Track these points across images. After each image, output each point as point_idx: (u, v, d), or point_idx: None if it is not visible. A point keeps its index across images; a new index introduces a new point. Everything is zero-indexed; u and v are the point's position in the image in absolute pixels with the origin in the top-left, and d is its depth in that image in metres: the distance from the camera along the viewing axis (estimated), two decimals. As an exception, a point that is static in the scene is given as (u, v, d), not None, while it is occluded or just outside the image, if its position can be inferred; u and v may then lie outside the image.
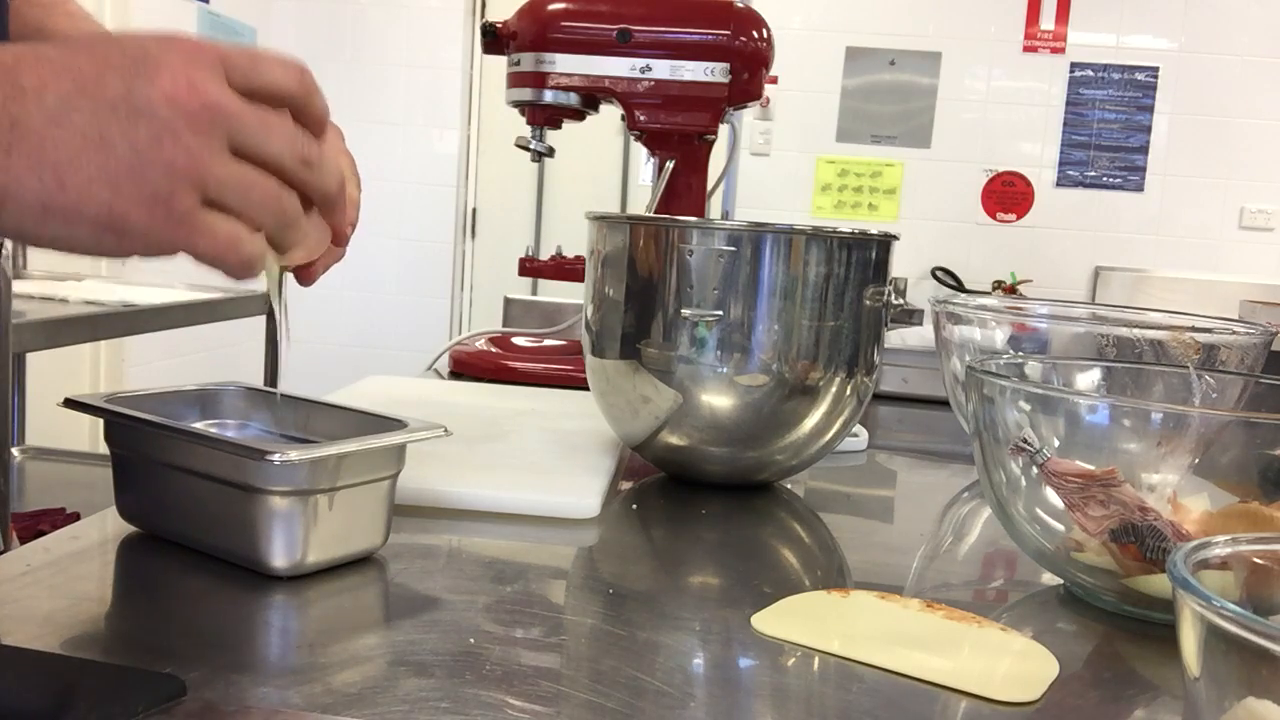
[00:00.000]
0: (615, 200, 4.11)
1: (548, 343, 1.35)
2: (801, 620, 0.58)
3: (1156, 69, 3.72)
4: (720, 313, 0.78)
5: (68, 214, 0.44)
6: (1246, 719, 0.34)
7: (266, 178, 0.47)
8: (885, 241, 0.83)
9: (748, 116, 3.79)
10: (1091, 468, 0.61)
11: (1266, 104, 3.70)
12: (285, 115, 0.47)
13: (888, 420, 1.27)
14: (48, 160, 0.43)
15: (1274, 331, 0.92)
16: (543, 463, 0.83)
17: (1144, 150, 3.76)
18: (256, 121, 0.46)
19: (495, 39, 1.31)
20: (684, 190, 1.32)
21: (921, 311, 0.90)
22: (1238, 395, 0.74)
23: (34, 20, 0.79)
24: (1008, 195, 3.81)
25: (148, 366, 3.13)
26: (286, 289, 0.55)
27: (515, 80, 1.31)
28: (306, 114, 0.49)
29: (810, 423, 0.81)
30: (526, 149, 1.34)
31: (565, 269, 1.35)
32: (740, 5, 1.29)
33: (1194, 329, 0.90)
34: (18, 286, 1.62)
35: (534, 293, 3.18)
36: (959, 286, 3.72)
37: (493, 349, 1.33)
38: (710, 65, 1.26)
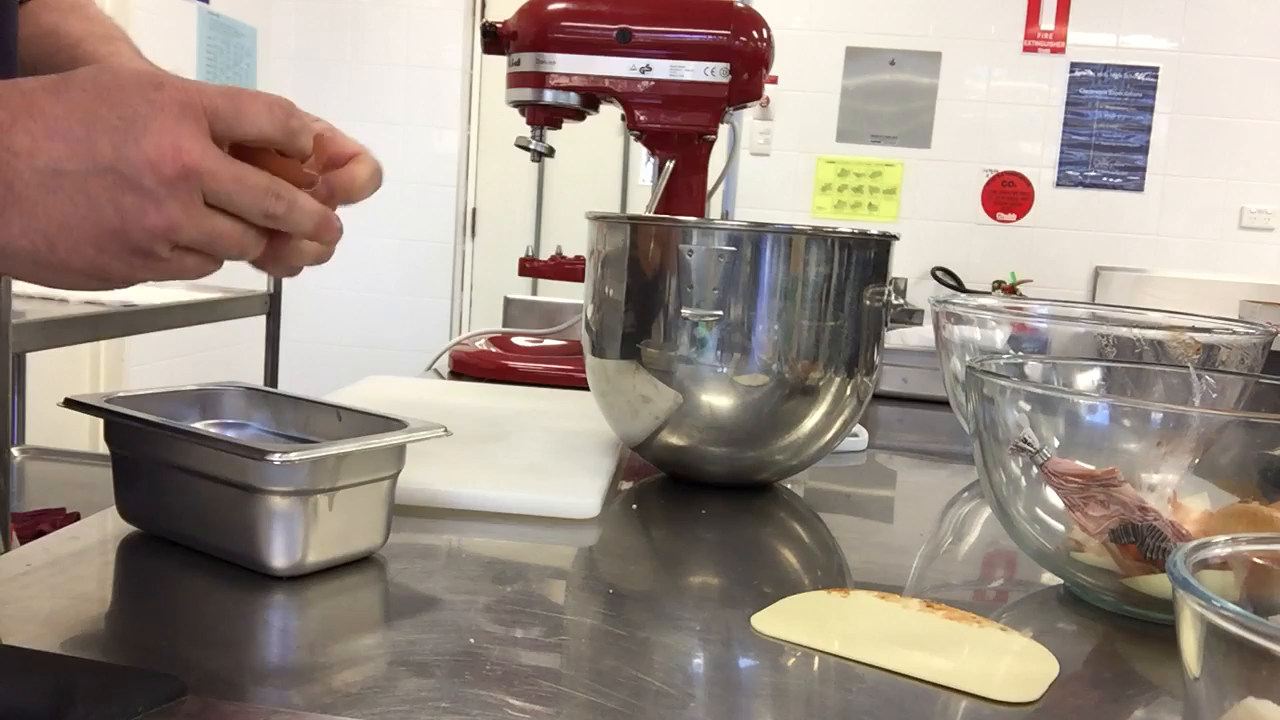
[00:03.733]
0: (615, 200, 4.11)
1: (548, 343, 1.35)
2: (801, 620, 0.58)
3: (1156, 69, 3.72)
4: (720, 313, 0.78)
5: (57, 268, 0.48)
6: (1246, 719, 0.34)
7: (233, 227, 0.51)
8: (885, 241, 0.83)
9: (748, 116, 3.79)
10: (1091, 468, 0.61)
11: (1266, 104, 3.70)
12: (259, 171, 0.51)
13: (888, 420, 1.27)
14: (39, 224, 0.47)
15: (1274, 331, 0.92)
16: (543, 463, 0.83)
17: (1144, 150, 3.76)
18: (229, 181, 0.49)
19: (495, 39, 1.31)
20: (684, 190, 1.32)
21: (921, 311, 0.90)
22: (1238, 395, 0.74)
23: (48, 23, 0.80)
24: (1008, 195, 3.81)
25: (148, 366, 3.14)
26: None
27: (515, 80, 1.31)
28: (289, 152, 0.53)
29: (810, 423, 0.81)
30: (526, 149, 1.34)
31: (565, 269, 1.35)
32: (740, 5, 1.29)
33: (1194, 329, 0.90)
34: (18, 286, 1.62)
35: (534, 293, 3.18)
36: (959, 286, 3.73)
37: (493, 349, 1.33)
38: (710, 65, 1.26)
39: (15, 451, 2.19)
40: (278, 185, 0.51)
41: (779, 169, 3.86)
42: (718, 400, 0.80)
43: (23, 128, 0.46)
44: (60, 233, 0.47)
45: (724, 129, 1.32)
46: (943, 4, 3.75)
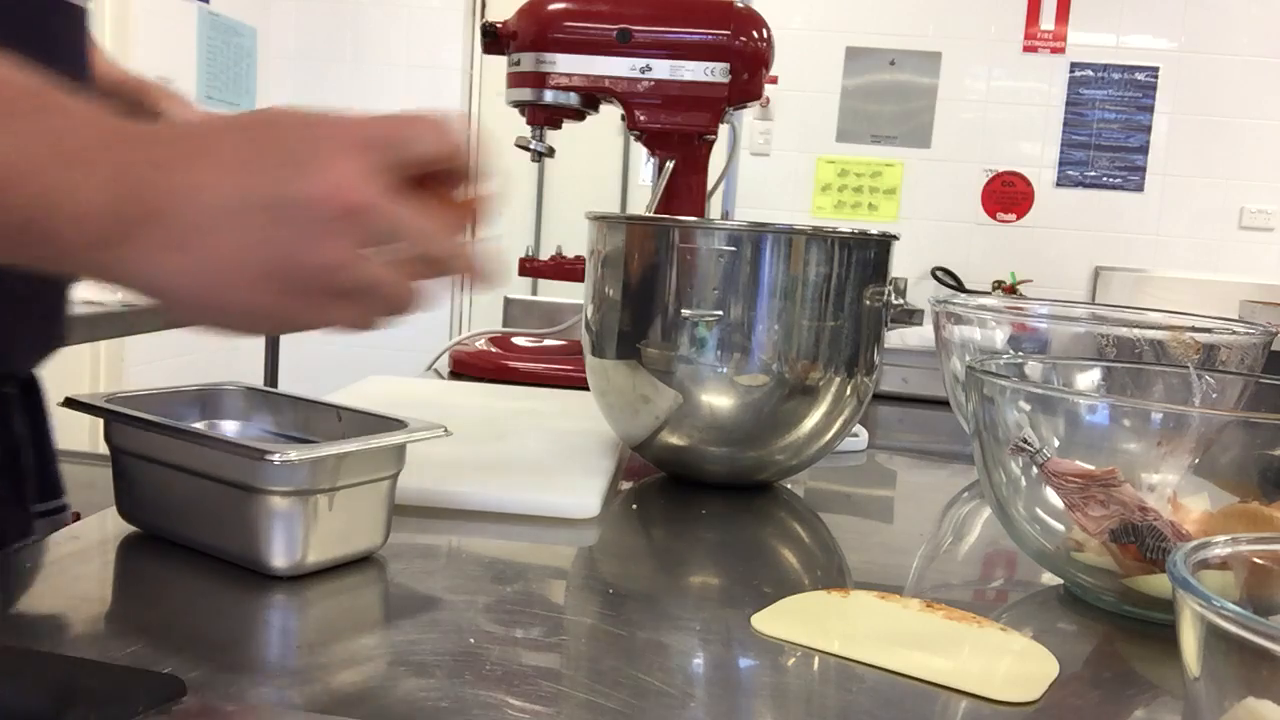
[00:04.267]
0: (615, 200, 4.11)
1: (548, 343, 1.35)
2: (801, 620, 0.58)
3: (1156, 69, 3.72)
4: (720, 313, 0.78)
5: (212, 308, 0.48)
6: (1246, 719, 0.34)
7: (393, 278, 0.49)
8: (885, 241, 0.83)
9: (748, 116, 3.79)
10: (1091, 468, 0.61)
11: (1266, 104, 3.70)
12: (424, 213, 0.49)
13: (888, 420, 1.27)
14: (199, 262, 0.46)
15: (1274, 331, 0.92)
16: (543, 463, 0.83)
17: (1144, 150, 3.76)
18: (391, 222, 0.48)
19: (495, 39, 1.31)
20: (684, 190, 1.32)
21: (921, 311, 0.90)
22: (1238, 395, 0.74)
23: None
24: (1008, 195, 3.81)
25: (148, 366, 3.14)
26: None
27: (515, 80, 1.31)
28: (455, 168, 0.51)
29: (810, 423, 0.81)
30: (526, 149, 1.34)
31: (565, 269, 1.35)
32: (740, 5, 1.29)
33: (1194, 329, 0.90)
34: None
35: (534, 293, 3.18)
36: (959, 286, 3.72)
37: (493, 349, 1.33)
38: (710, 65, 1.26)
39: (15, 451, 2.19)
40: (441, 229, 0.50)
41: (779, 169, 3.85)
42: (718, 400, 0.80)
43: (186, 165, 0.46)
44: (220, 270, 0.46)
45: (724, 129, 1.32)
46: (943, 4, 3.75)
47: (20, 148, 0.44)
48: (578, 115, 1.33)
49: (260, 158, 0.46)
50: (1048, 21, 3.73)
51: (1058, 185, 3.79)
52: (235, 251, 0.46)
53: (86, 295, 1.91)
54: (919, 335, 1.32)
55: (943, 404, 1.06)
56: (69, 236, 0.45)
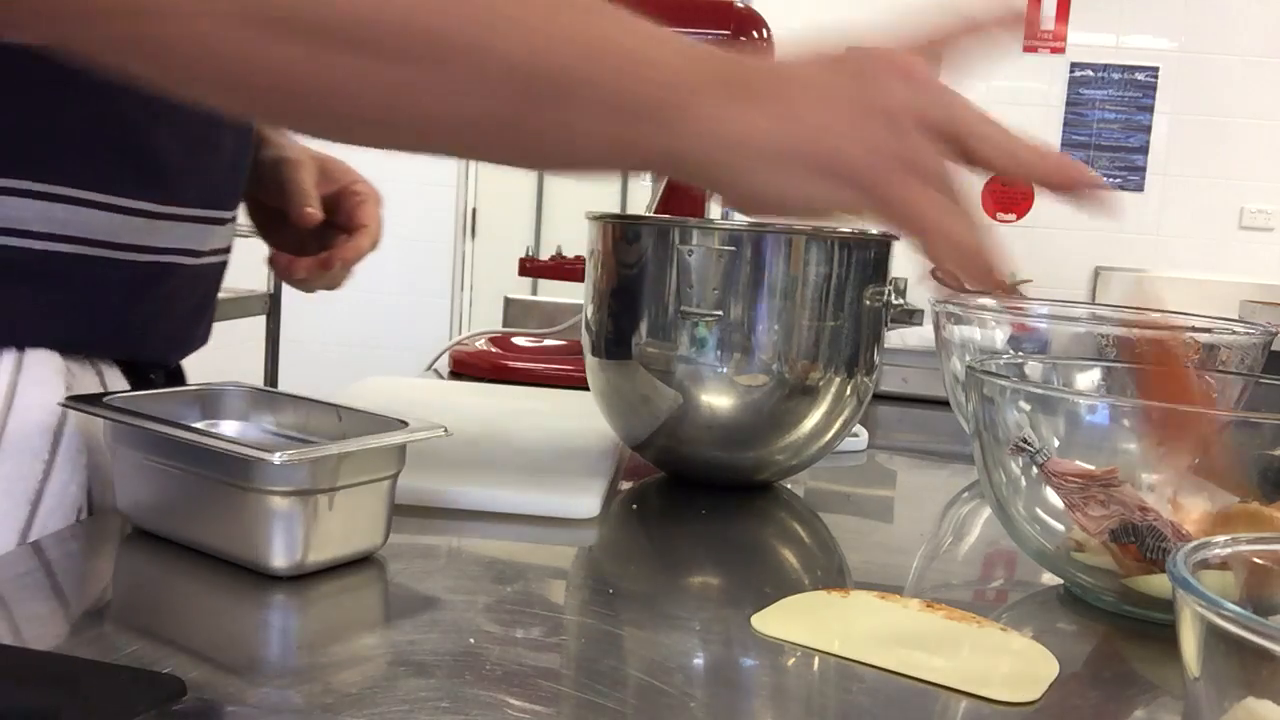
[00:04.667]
0: (615, 200, 4.11)
1: (548, 343, 1.35)
2: (801, 620, 0.58)
3: (1156, 69, 3.72)
4: (720, 312, 0.78)
5: (809, 154, 0.54)
6: (1246, 719, 0.34)
7: (938, 160, 0.55)
8: (885, 241, 0.83)
9: (748, 116, 3.79)
10: (1091, 468, 0.61)
11: (1266, 104, 3.70)
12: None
13: (888, 420, 1.27)
14: (804, 113, 0.54)
15: (1274, 331, 0.92)
16: (543, 463, 0.83)
17: (1144, 150, 3.76)
18: (943, 92, 0.55)
19: (495, 39, 1.31)
20: (684, 190, 1.32)
21: (921, 311, 0.90)
22: (1237, 395, 0.74)
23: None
24: (1008, 195, 3.81)
25: (148, 366, 3.13)
26: None
27: (515, 80, 1.30)
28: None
29: (810, 423, 0.81)
30: (526, 149, 1.34)
31: (565, 269, 1.35)
32: (740, 5, 1.29)
33: (1194, 329, 0.90)
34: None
35: (534, 293, 3.18)
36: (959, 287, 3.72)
37: (493, 349, 1.33)
38: (710, 65, 1.26)
39: (15, 451, 2.18)
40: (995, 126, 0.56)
41: (779, 169, 3.85)
42: (718, 400, 0.80)
43: (769, 59, 0.58)
44: (814, 115, 0.53)
45: (724, 129, 1.32)
46: (943, 4, 3.75)
47: (644, 40, 0.53)
48: (578, 115, 1.33)
49: (824, 53, 0.58)
50: (1047, 22, 3.73)
51: (1058, 185, 3.79)
52: (823, 102, 0.54)
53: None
54: (919, 335, 1.32)
55: (943, 404, 1.06)
56: (692, 109, 0.52)
